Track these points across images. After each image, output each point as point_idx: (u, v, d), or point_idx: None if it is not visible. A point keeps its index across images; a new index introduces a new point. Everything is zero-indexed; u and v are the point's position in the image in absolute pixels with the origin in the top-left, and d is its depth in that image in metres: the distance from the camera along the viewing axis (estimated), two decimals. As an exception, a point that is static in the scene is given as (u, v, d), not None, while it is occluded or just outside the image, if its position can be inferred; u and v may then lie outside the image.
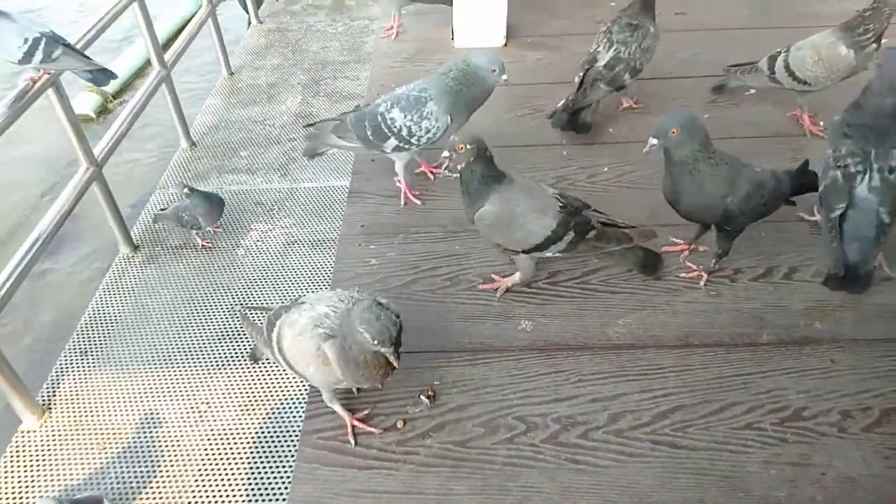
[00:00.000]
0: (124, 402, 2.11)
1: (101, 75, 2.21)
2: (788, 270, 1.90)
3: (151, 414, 2.08)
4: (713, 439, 1.52)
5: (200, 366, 2.22)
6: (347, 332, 1.39)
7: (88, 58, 2.17)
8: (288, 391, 2.05)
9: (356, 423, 1.52)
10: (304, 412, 1.58)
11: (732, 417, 1.56)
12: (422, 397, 1.60)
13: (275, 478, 1.83)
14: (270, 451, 1.93)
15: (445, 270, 1.96)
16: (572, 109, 2.35)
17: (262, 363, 2.04)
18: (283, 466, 1.89)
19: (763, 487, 1.42)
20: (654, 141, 1.64)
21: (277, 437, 1.98)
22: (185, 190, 2.55)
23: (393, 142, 2.10)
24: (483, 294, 1.88)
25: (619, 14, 2.37)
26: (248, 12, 4.62)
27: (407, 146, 2.10)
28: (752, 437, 1.52)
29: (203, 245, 2.69)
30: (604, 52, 2.31)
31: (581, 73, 2.34)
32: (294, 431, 1.93)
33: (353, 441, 1.50)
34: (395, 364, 1.38)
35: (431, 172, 2.38)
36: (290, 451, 1.90)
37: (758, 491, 1.42)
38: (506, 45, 3.07)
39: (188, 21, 4.06)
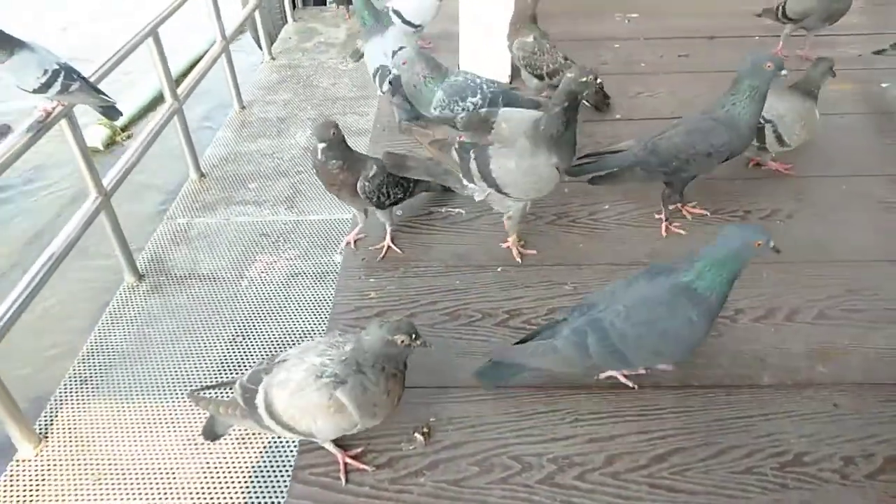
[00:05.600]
0: (121, 432, 2.10)
1: (112, 110, 2.30)
2: (790, 312, 1.88)
3: (148, 445, 2.07)
4: (712, 483, 1.49)
5: (199, 397, 2.21)
6: (361, 359, 1.39)
7: (101, 91, 2.24)
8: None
9: (348, 460, 1.50)
10: (297, 445, 1.57)
11: (732, 461, 1.53)
12: (416, 434, 1.58)
13: (267, 513, 1.82)
14: (264, 486, 1.92)
15: (444, 305, 1.95)
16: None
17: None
18: (277, 501, 1.87)
19: (763, 535, 1.39)
20: None
21: (272, 471, 1.96)
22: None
23: None
24: (482, 330, 1.87)
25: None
26: (261, 48, 4.74)
27: None
28: (751, 482, 1.49)
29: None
30: None
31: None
32: (287, 466, 1.92)
33: (344, 479, 1.48)
34: (429, 345, 1.45)
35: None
36: (283, 485, 1.88)
37: (757, 539, 1.38)
38: (511, 82, 3.12)
39: (201, 57, 4.16)
